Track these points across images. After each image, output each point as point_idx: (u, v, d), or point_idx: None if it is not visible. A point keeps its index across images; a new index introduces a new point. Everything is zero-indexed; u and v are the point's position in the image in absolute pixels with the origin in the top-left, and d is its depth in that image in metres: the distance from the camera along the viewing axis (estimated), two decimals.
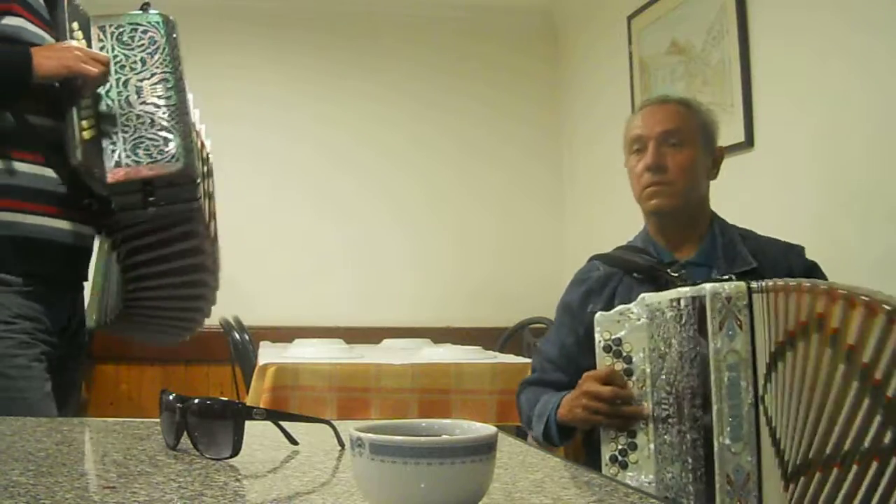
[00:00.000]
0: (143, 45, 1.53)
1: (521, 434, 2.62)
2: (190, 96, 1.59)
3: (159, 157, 1.44)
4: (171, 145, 1.45)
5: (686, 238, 1.73)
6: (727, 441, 1.34)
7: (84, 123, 1.44)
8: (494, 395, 2.61)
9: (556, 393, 1.68)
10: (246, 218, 4.02)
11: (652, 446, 1.43)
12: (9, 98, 1.47)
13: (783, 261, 1.69)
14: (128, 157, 1.44)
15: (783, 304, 1.35)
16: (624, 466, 1.46)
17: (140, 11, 1.59)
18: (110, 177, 1.43)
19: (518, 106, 4.32)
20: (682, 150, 1.69)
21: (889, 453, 1.22)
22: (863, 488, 1.22)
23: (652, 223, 1.77)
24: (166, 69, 1.51)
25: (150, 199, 1.46)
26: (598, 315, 1.53)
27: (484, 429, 0.66)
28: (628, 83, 3.52)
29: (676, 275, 1.61)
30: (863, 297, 1.31)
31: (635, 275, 1.70)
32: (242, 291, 3.90)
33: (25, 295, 1.49)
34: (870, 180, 2.18)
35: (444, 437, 0.66)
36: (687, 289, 1.42)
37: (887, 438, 1.22)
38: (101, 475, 0.82)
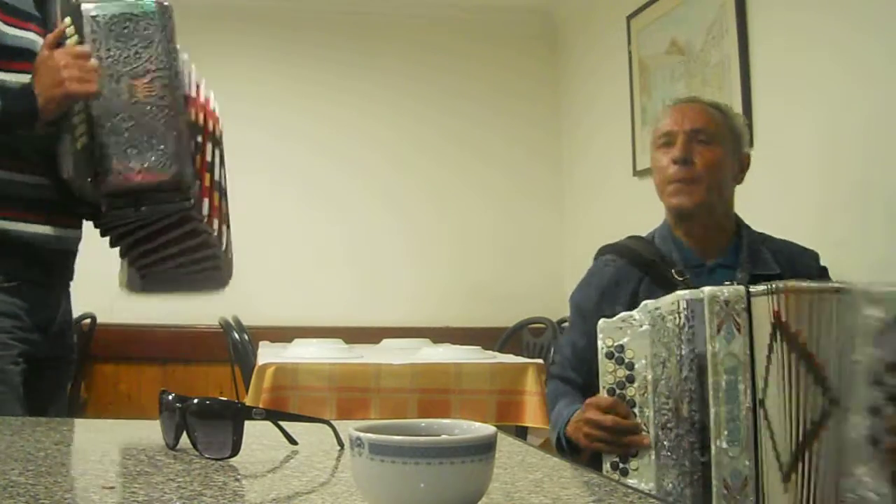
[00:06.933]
0: (136, 38, 1.46)
1: (520, 434, 2.63)
2: (192, 74, 1.54)
3: (150, 164, 1.41)
4: (163, 151, 1.42)
5: (712, 241, 1.73)
6: (724, 445, 1.33)
7: (77, 132, 1.41)
8: (494, 395, 2.61)
9: (568, 404, 1.67)
10: (245, 218, 3.96)
11: (653, 454, 1.42)
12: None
13: (798, 262, 1.71)
14: (119, 163, 1.41)
15: (780, 306, 1.36)
16: (625, 473, 1.45)
17: None
18: (103, 186, 1.41)
19: (518, 106, 4.32)
20: (711, 147, 1.69)
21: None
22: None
23: (675, 223, 1.76)
24: (160, 65, 1.45)
25: (140, 202, 1.45)
26: (600, 322, 1.52)
27: (483, 429, 0.66)
28: (628, 83, 3.51)
29: (682, 279, 1.60)
30: (804, 285, 1.37)
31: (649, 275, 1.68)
32: (242, 291, 3.87)
33: (8, 291, 1.46)
34: (869, 179, 2.18)
35: (444, 437, 0.66)
36: (686, 292, 1.42)
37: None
38: (100, 475, 0.82)
